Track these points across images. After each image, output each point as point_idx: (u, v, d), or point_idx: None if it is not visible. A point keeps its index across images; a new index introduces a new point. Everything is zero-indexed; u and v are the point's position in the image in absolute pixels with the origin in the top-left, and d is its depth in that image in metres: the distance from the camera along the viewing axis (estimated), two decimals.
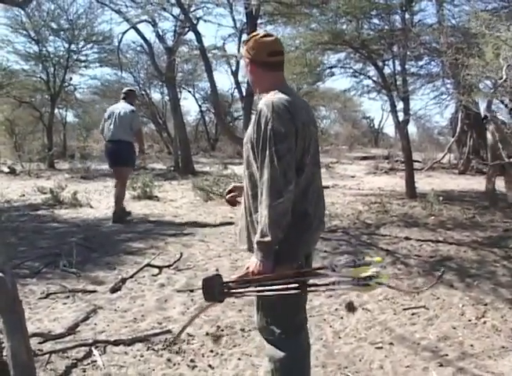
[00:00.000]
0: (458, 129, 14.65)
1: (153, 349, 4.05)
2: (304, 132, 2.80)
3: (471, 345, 4.27)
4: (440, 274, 3.42)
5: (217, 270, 6.16)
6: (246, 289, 2.79)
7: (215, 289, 2.80)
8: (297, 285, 2.66)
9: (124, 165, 9.10)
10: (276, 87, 2.89)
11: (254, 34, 3.00)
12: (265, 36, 2.94)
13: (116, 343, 4.09)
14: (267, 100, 2.78)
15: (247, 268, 2.75)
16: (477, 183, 15.06)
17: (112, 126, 8.94)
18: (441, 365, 3.91)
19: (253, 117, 2.88)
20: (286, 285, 2.64)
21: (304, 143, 2.80)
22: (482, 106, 16.69)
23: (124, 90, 9.69)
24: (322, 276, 2.68)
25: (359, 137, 37.20)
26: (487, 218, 9.30)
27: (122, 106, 9.15)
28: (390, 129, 47.58)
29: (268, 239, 2.64)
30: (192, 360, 3.90)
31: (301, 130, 2.76)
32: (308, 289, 2.80)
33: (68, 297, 5.20)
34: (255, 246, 2.71)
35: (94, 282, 5.68)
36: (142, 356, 3.93)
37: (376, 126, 41.00)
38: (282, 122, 2.68)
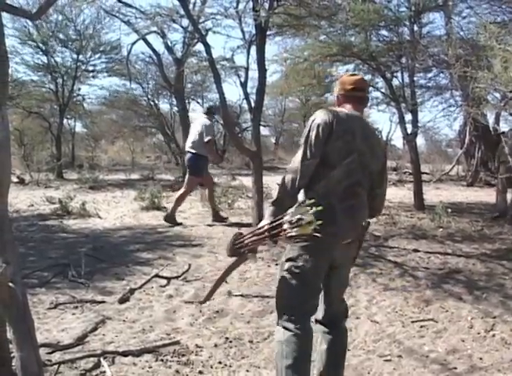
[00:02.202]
0: (466, 141, 14.67)
1: (162, 360, 4.03)
2: (347, 138, 3.18)
3: (480, 358, 4.26)
4: None
5: (225, 282, 6.17)
6: (250, 242, 3.19)
7: (229, 245, 3.28)
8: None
9: (196, 175, 9.96)
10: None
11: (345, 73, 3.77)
12: (350, 75, 3.57)
13: (124, 354, 4.08)
14: (325, 107, 3.43)
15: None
16: (486, 195, 15.04)
17: (188, 137, 10.01)
18: None
19: None
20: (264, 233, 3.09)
21: (345, 146, 3.18)
22: (491, 119, 16.76)
23: (206, 106, 11.21)
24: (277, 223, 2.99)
25: None
26: (495, 230, 9.27)
27: (198, 122, 10.00)
28: (398, 141, 47.56)
29: (273, 199, 3.18)
30: (200, 372, 3.89)
31: (340, 133, 3.16)
32: (272, 232, 3.03)
33: (77, 307, 5.19)
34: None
35: (102, 292, 5.68)
36: (150, 367, 3.91)
37: (384, 138, 40.96)
38: (321, 118, 3.16)
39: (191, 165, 9.93)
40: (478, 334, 4.77)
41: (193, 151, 9.76)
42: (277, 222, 2.99)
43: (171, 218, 9.73)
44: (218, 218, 10.01)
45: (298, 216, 2.90)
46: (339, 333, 3.46)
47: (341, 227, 3.17)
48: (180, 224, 9.70)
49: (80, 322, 4.80)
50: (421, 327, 4.92)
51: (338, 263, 3.33)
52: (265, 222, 3.11)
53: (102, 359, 3.96)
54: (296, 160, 3.16)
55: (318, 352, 3.45)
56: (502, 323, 5.01)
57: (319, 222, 2.86)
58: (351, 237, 3.31)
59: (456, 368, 4.07)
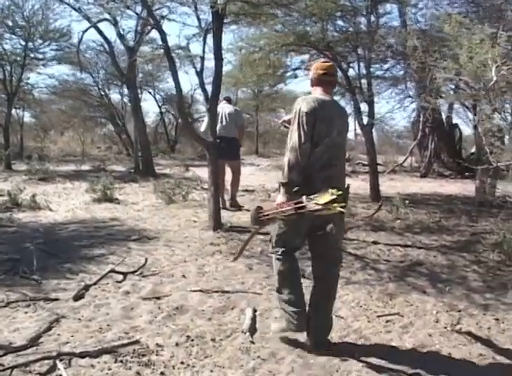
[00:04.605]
0: (419, 132, 14.72)
1: (121, 361, 3.82)
2: (326, 121, 4.05)
3: (449, 354, 4.19)
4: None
5: (183, 276, 6.00)
6: (272, 214, 4.11)
7: (253, 216, 4.26)
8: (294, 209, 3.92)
9: (237, 159, 10.91)
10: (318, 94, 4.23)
11: (318, 60, 4.71)
12: (323, 62, 4.40)
13: (81, 355, 3.85)
14: (304, 96, 4.21)
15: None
16: (439, 186, 15.21)
17: (220, 124, 10.13)
18: (420, 375, 3.80)
19: None
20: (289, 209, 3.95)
21: (325, 128, 4.05)
22: (443, 110, 16.85)
23: (225, 96, 11.32)
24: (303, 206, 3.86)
25: None
26: (453, 222, 9.31)
27: (227, 106, 10.63)
28: (350, 133, 47.99)
29: (284, 180, 4.00)
30: (162, 373, 3.70)
31: (322, 118, 4.01)
32: (299, 211, 3.87)
33: (29, 305, 4.92)
34: (279, 185, 4.10)
35: (56, 289, 5.41)
36: (109, 369, 3.70)
37: None
38: (306, 107, 4.00)
39: (234, 149, 10.58)
40: (445, 328, 4.70)
41: (230, 136, 10.30)
42: (298, 200, 3.88)
43: (236, 204, 10.53)
44: (236, 204, 10.56)
45: (327, 199, 3.71)
46: (326, 277, 4.32)
47: (320, 192, 3.83)
48: (242, 207, 10.45)
49: (33, 321, 4.55)
50: (387, 321, 4.83)
51: (322, 222, 4.07)
52: (282, 198, 4.03)
53: (57, 361, 3.73)
54: (294, 145, 3.97)
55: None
56: (467, 317, 4.97)
57: (343, 204, 3.72)
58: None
59: (425, 364, 3.97)
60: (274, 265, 4.40)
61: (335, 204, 3.69)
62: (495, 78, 4.98)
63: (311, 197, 3.82)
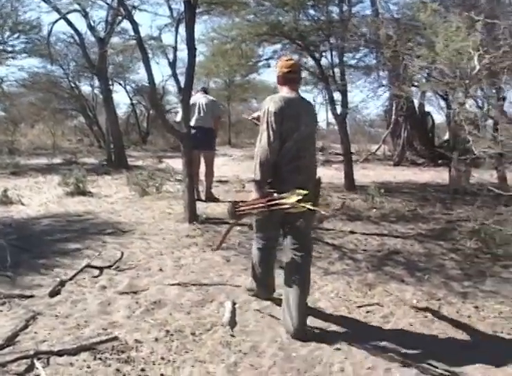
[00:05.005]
0: (392, 121, 14.75)
1: (100, 359, 3.73)
2: (294, 118, 4.30)
3: (430, 342, 4.18)
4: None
5: (160, 270, 5.92)
6: (247, 209, 4.37)
7: (230, 211, 4.53)
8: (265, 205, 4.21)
9: (213, 149, 10.85)
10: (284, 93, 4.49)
11: (283, 58, 4.90)
12: (286, 60, 4.66)
13: (60, 353, 3.75)
14: (271, 96, 4.49)
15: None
16: (413, 174, 15.27)
17: (198, 115, 10.24)
18: (403, 365, 3.78)
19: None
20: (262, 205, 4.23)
21: (293, 125, 4.30)
22: (416, 99, 16.91)
23: (201, 87, 11.40)
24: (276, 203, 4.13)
25: None
26: (428, 209, 9.34)
27: (203, 97, 10.57)
28: (321, 122, 47.94)
29: (257, 178, 4.27)
30: (142, 369, 3.63)
31: (289, 116, 4.27)
32: (271, 208, 4.15)
33: (4, 303, 4.80)
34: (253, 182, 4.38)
35: (31, 286, 5.29)
36: (88, 368, 3.61)
37: None
38: (274, 106, 4.25)
39: (210, 140, 10.53)
40: (426, 317, 4.70)
41: (207, 126, 10.27)
42: (271, 197, 4.17)
43: (211, 196, 10.43)
44: (211, 196, 10.43)
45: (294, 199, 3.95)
46: (299, 266, 4.46)
47: (288, 184, 4.20)
48: (218, 199, 10.39)
49: (8, 319, 4.44)
50: (367, 312, 4.81)
51: (292, 218, 4.33)
52: (256, 195, 4.30)
53: (35, 360, 3.64)
54: (264, 144, 4.23)
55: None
56: (447, 305, 4.97)
57: (309, 204, 3.94)
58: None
59: (407, 353, 3.96)
60: (253, 251, 4.90)
61: (302, 203, 3.94)
62: (478, 67, 4.96)
63: (282, 195, 4.10)
